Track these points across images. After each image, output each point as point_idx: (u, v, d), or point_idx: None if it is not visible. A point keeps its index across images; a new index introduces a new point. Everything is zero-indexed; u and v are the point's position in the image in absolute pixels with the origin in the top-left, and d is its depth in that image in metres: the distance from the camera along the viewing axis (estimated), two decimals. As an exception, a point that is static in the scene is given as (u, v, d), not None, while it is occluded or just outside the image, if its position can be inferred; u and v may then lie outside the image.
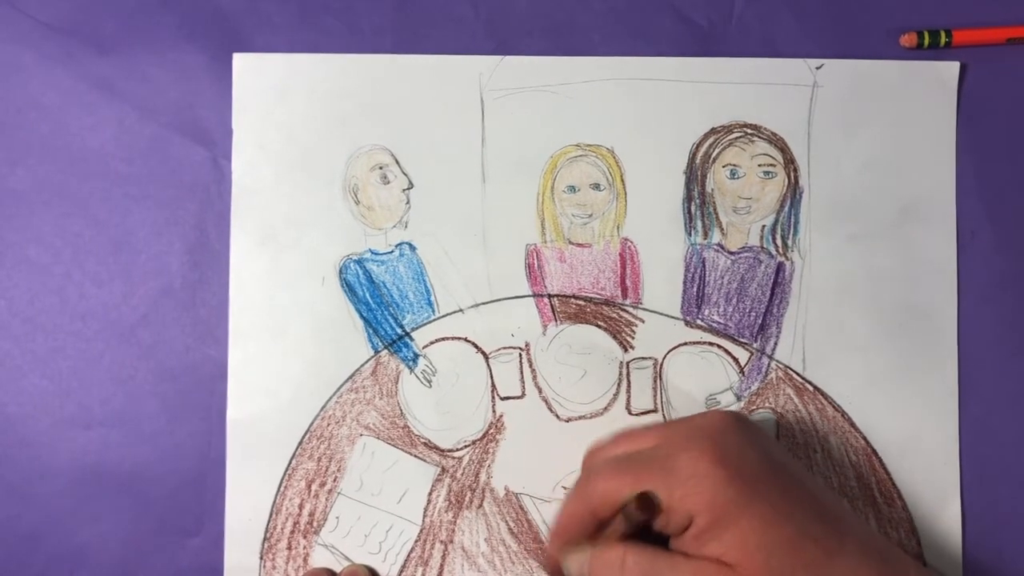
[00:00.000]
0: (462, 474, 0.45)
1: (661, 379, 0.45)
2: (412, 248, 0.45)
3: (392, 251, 0.45)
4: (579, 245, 0.45)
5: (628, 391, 0.45)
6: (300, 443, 0.44)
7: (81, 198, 0.45)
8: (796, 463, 0.39)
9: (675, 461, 0.36)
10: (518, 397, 0.45)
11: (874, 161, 0.45)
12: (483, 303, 0.45)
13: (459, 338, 0.45)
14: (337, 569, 0.44)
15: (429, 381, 0.45)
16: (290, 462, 0.44)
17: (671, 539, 0.37)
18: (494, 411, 0.45)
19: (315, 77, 0.45)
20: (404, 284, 0.45)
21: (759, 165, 0.45)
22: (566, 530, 0.38)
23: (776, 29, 0.46)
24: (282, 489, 0.44)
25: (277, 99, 0.45)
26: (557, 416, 0.45)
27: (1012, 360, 0.45)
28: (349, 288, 0.45)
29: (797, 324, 0.45)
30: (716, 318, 0.45)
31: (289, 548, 0.44)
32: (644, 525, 0.36)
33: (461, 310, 0.45)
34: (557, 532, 0.38)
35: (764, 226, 0.45)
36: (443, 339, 0.45)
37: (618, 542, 0.36)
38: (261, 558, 0.44)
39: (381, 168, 0.45)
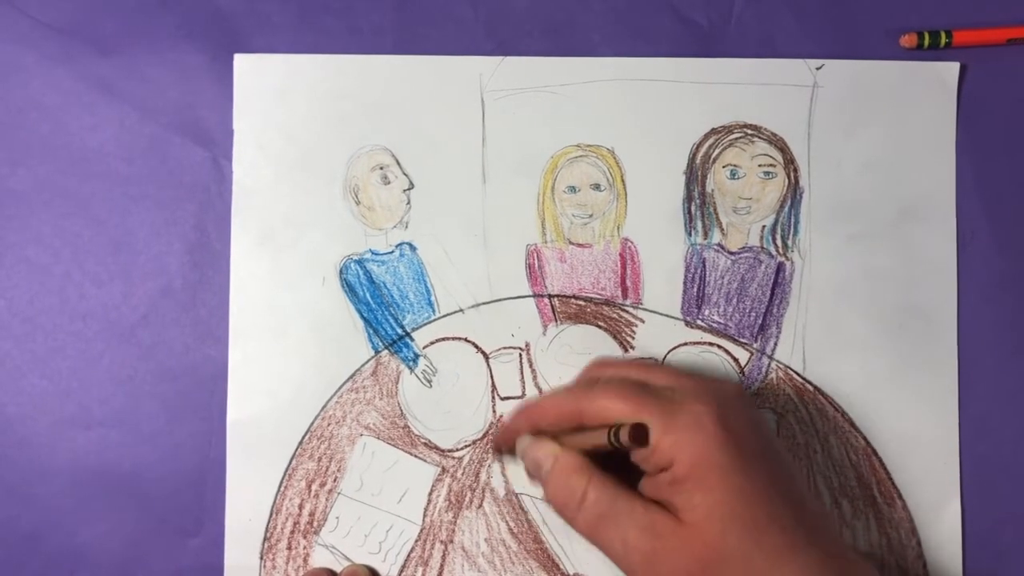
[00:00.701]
0: (462, 474, 0.45)
1: (661, 379, 0.45)
2: (412, 248, 0.45)
3: (392, 251, 0.45)
4: (579, 245, 0.45)
5: (628, 391, 0.45)
6: (300, 443, 0.44)
7: (81, 198, 0.45)
8: (789, 458, 0.39)
9: (680, 407, 0.35)
10: (518, 397, 0.45)
11: (874, 161, 0.46)
12: (483, 303, 0.45)
13: (459, 338, 0.45)
14: (337, 569, 0.44)
15: (429, 381, 0.45)
16: (290, 462, 0.44)
17: (643, 478, 0.36)
18: (494, 411, 0.45)
19: (316, 78, 0.45)
20: (404, 284, 0.45)
21: (759, 165, 0.45)
22: (541, 414, 0.38)
23: (776, 29, 0.46)
24: (282, 489, 0.44)
25: (278, 99, 0.45)
26: (557, 416, 0.45)
27: (1012, 360, 0.45)
28: (349, 288, 0.45)
29: (797, 324, 0.45)
30: (716, 318, 0.45)
31: (289, 548, 0.44)
32: (622, 452, 0.36)
33: (461, 310, 0.45)
34: (529, 411, 0.39)
35: (764, 226, 0.45)
36: (443, 339, 0.45)
37: (583, 459, 0.37)
38: (261, 558, 0.44)
39: (382, 168, 0.45)
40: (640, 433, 0.35)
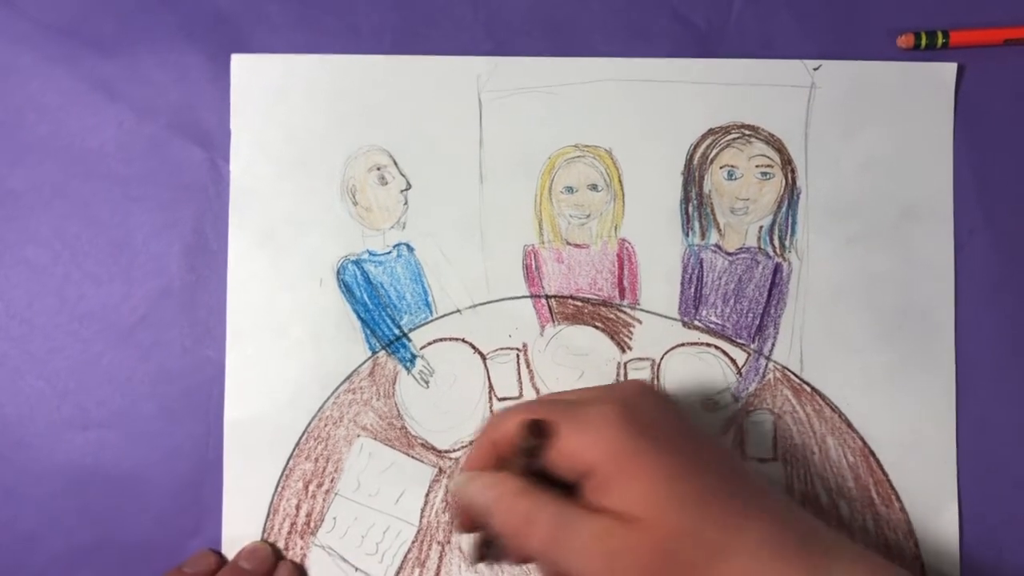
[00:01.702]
0: (460, 475, 0.45)
1: (659, 380, 0.45)
2: (410, 249, 0.45)
3: (390, 252, 0.45)
4: (577, 246, 0.45)
5: (626, 392, 0.45)
6: (297, 444, 0.44)
7: (80, 199, 0.45)
8: (711, 434, 0.39)
9: (585, 410, 0.35)
10: (515, 398, 0.45)
11: (872, 162, 0.45)
12: (481, 304, 0.45)
13: (457, 339, 0.45)
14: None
15: (427, 382, 0.45)
16: (287, 463, 0.44)
17: (578, 495, 0.35)
18: (491, 412, 0.45)
19: (313, 78, 0.45)
20: (402, 285, 0.45)
21: (756, 166, 0.45)
22: (471, 464, 0.38)
23: (774, 30, 0.46)
24: (279, 490, 0.44)
25: (276, 100, 0.45)
26: (555, 417, 0.45)
27: (1010, 360, 0.45)
28: (347, 289, 0.45)
29: (795, 325, 0.45)
30: (714, 319, 0.45)
31: (286, 549, 0.44)
32: (535, 457, 0.35)
33: (459, 311, 0.45)
34: (463, 467, 0.38)
35: (762, 227, 0.45)
36: (441, 340, 0.45)
37: (525, 483, 0.35)
38: (259, 559, 0.44)
39: (379, 169, 0.45)
40: (538, 427, 0.35)
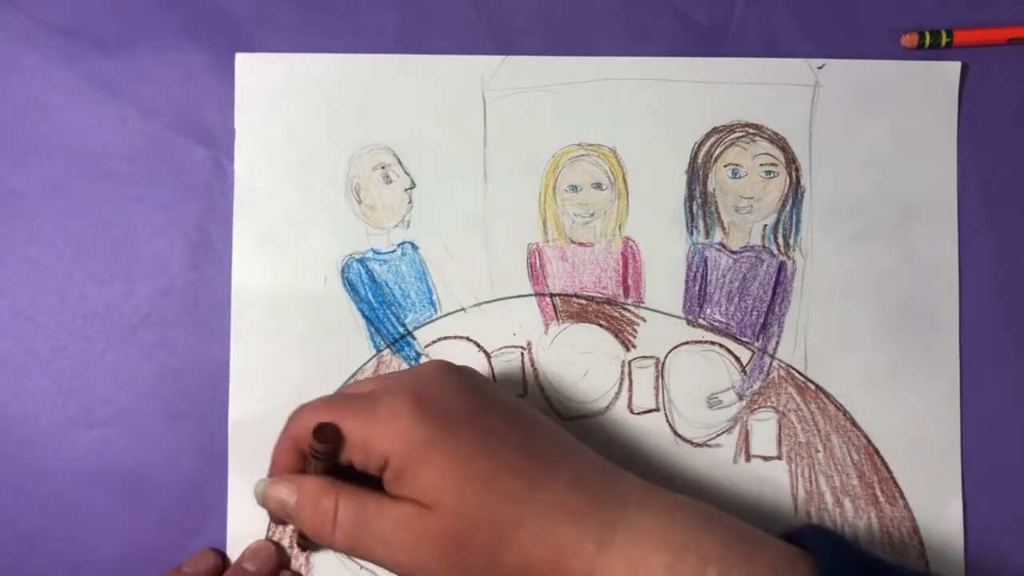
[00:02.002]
0: (464, 473, 0.44)
1: (663, 378, 0.45)
2: (414, 247, 0.45)
3: (394, 250, 0.45)
4: (581, 244, 0.45)
5: (630, 390, 0.45)
6: (302, 442, 0.44)
7: (83, 198, 0.45)
8: (513, 404, 0.38)
9: (378, 403, 0.36)
10: (520, 396, 0.45)
11: (875, 161, 0.46)
12: (485, 302, 0.45)
13: (461, 337, 0.45)
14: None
15: (431, 380, 0.45)
16: (292, 461, 0.44)
17: (383, 482, 0.36)
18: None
19: (317, 77, 0.45)
20: (406, 283, 0.45)
21: (761, 165, 0.45)
22: (276, 465, 0.39)
23: (777, 29, 0.46)
24: (284, 488, 0.44)
25: (279, 99, 0.45)
26: (559, 415, 0.45)
27: (1014, 359, 0.45)
28: (351, 287, 0.45)
29: (799, 323, 0.45)
30: (718, 317, 0.45)
31: (291, 547, 0.44)
32: (329, 458, 0.36)
33: (463, 309, 0.45)
34: (271, 468, 0.39)
35: (766, 225, 0.46)
36: (445, 338, 0.45)
37: (327, 482, 0.36)
38: (263, 558, 0.44)
39: (383, 168, 0.45)
40: (326, 432, 0.36)
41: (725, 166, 0.45)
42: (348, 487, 0.36)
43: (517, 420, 0.37)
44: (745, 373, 0.45)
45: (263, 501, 0.39)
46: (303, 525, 0.37)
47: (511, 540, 0.34)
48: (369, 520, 0.35)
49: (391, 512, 0.35)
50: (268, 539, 0.44)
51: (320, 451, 0.36)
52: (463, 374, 0.38)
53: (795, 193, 0.46)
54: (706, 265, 0.45)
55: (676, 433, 0.45)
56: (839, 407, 0.45)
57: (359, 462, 0.36)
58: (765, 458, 0.45)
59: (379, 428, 0.35)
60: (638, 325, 0.45)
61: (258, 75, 0.45)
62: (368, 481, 0.37)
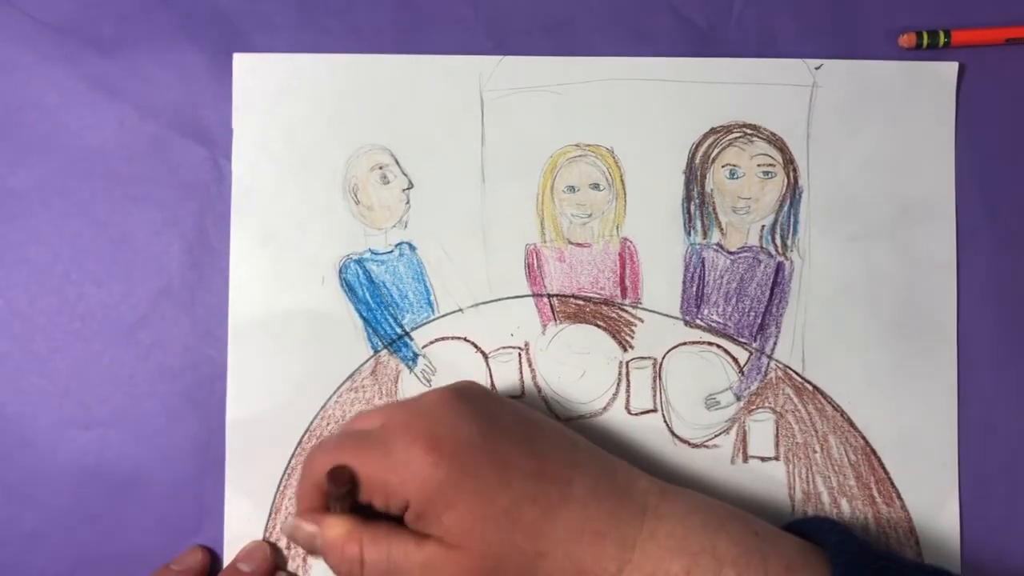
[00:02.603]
0: (461, 474, 0.44)
1: (660, 379, 0.45)
2: (412, 248, 0.45)
3: (392, 251, 0.45)
4: (578, 245, 0.45)
5: (627, 391, 0.45)
6: (300, 443, 0.44)
7: (81, 198, 0.45)
8: (525, 423, 0.39)
9: (392, 447, 0.36)
10: (517, 397, 0.45)
11: (873, 161, 0.46)
12: (482, 303, 0.45)
13: (459, 338, 0.45)
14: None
15: (429, 380, 0.45)
16: (289, 462, 0.44)
17: (405, 521, 0.37)
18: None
19: (315, 77, 0.45)
20: (404, 284, 0.45)
21: (758, 165, 0.45)
22: (301, 505, 0.39)
23: (775, 29, 0.46)
24: (281, 489, 0.44)
25: (277, 99, 0.45)
26: (556, 416, 0.45)
27: (1011, 360, 0.45)
28: (349, 288, 0.45)
29: (796, 324, 0.45)
30: (715, 318, 0.45)
31: (288, 548, 0.44)
32: (349, 496, 0.37)
33: (461, 310, 0.45)
34: (297, 508, 0.39)
35: (763, 226, 0.45)
36: (443, 339, 0.45)
37: (350, 522, 0.37)
38: (260, 558, 0.44)
39: (381, 168, 0.45)
40: (340, 474, 0.36)
41: (723, 166, 0.45)
42: (371, 530, 0.37)
43: (528, 441, 0.37)
44: (743, 374, 0.45)
45: (292, 540, 0.39)
46: (332, 568, 0.38)
47: (536, 570, 0.35)
48: (396, 565, 0.36)
49: (416, 556, 0.36)
50: (264, 540, 0.44)
51: (337, 494, 0.36)
52: (469, 400, 0.38)
53: (793, 193, 0.46)
54: (704, 266, 0.45)
55: (674, 434, 0.45)
56: (836, 408, 0.45)
57: (379, 505, 0.37)
58: (763, 459, 0.45)
59: (395, 475, 0.35)
60: (636, 326, 0.45)
61: (256, 75, 0.45)
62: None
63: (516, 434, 0.37)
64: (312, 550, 0.38)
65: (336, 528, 0.37)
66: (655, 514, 0.36)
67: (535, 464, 0.36)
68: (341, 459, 0.36)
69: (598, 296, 0.45)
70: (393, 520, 0.37)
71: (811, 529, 0.39)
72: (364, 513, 0.37)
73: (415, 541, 0.36)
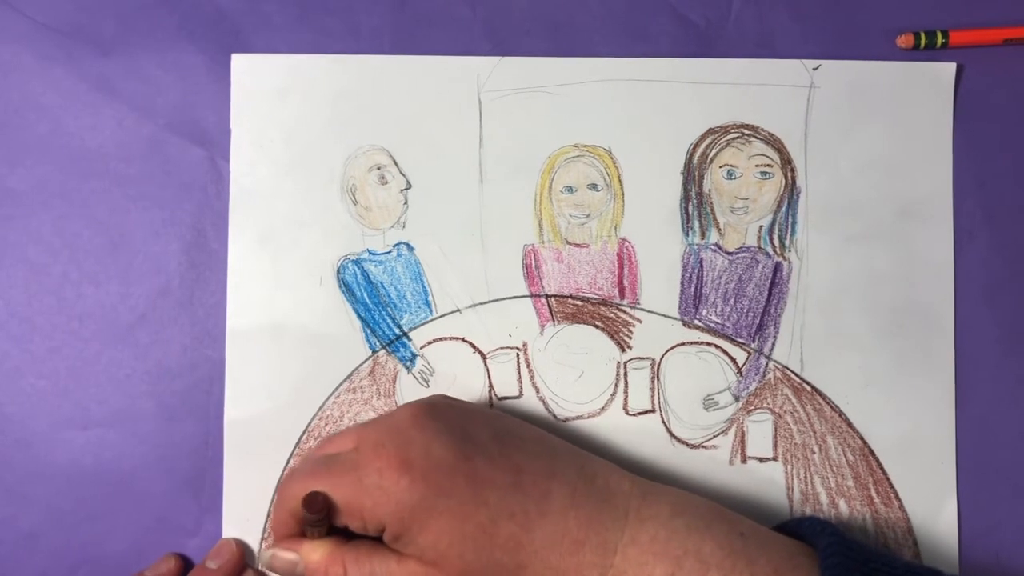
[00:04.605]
0: (459, 474, 0.44)
1: (659, 379, 0.45)
2: (410, 248, 0.45)
3: (390, 251, 0.45)
4: (576, 245, 0.45)
5: (626, 391, 0.45)
6: (298, 443, 0.44)
7: (79, 198, 0.45)
8: (500, 434, 0.38)
9: (365, 470, 0.36)
10: (516, 397, 0.45)
11: (871, 162, 0.46)
12: (481, 303, 0.45)
13: (457, 338, 0.45)
14: None
15: (427, 381, 0.45)
16: (288, 462, 0.44)
17: (383, 540, 0.37)
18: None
19: (313, 78, 0.45)
20: (402, 284, 0.45)
21: (756, 165, 0.45)
22: (276, 533, 0.39)
23: (773, 30, 0.46)
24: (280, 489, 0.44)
25: (275, 99, 0.45)
26: (555, 416, 0.45)
27: (1009, 360, 0.45)
28: (347, 288, 0.45)
29: (795, 324, 0.45)
30: (714, 318, 0.45)
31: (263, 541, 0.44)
32: (325, 522, 0.37)
33: (459, 310, 0.45)
34: (272, 532, 0.39)
35: (761, 226, 0.45)
36: (441, 339, 0.45)
37: (332, 548, 0.37)
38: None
39: (379, 168, 0.45)
40: (315, 501, 0.36)
41: (721, 167, 0.45)
42: (353, 550, 0.37)
43: (504, 454, 0.37)
44: (741, 374, 0.45)
45: (271, 569, 0.39)
46: None
47: None
48: None
49: (399, 573, 0.36)
50: (233, 538, 0.44)
51: (313, 520, 0.37)
52: (441, 417, 0.38)
53: (791, 194, 0.46)
54: (702, 266, 0.45)
55: (672, 434, 0.45)
56: (835, 408, 0.45)
57: (356, 527, 0.37)
58: (761, 459, 0.45)
59: (369, 499, 0.36)
60: (634, 326, 0.45)
61: (254, 76, 0.45)
62: None
63: (491, 448, 0.37)
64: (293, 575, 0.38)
65: (318, 552, 0.37)
66: (637, 517, 0.36)
67: (512, 477, 0.36)
68: (315, 486, 0.36)
69: (596, 296, 0.45)
70: (372, 537, 0.37)
71: (803, 529, 0.38)
72: (342, 533, 0.38)
73: (396, 558, 0.36)
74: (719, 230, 0.45)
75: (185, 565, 0.43)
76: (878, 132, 0.46)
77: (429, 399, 0.40)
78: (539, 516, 0.36)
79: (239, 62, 0.45)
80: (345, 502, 0.36)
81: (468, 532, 0.35)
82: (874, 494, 0.44)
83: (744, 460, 0.45)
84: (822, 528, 0.38)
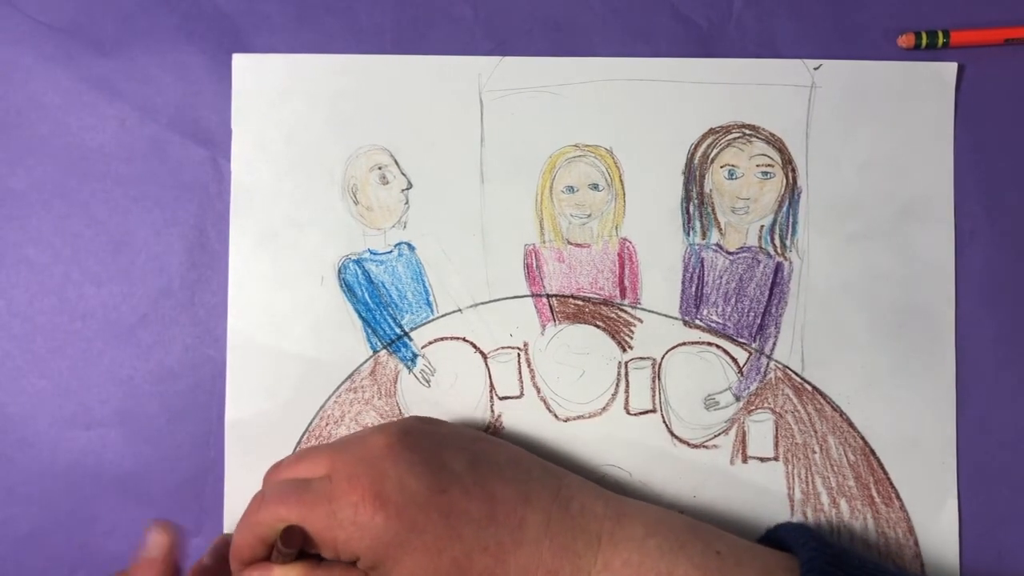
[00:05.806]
0: (461, 474, 0.44)
1: (659, 379, 0.45)
2: (411, 248, 0.45)
3: (391, 251, 0.45)
4: (577, 245, 0.45)
5: (626, 391, 0.45)
6: (299, 443, 0.44)
7: (81, 198, 0.45)
8: (475, 461, 0.38)
9: (338, 503, 0.36)
10: (516, 397, 0.45)
11: (872, 161, 0.46)
12: (482, 303, 0.45)
13: (458, 338, 0.45)
14: None
15: (428, 381, 0.45)
16: (289, 462, 0.44)
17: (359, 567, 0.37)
18: (492, 411, 0.45)
19: (314, 77, 0.45)
20: (403, 284, 0.45)
21: (757, 165, 0.45)
22: (239, 555, 0.38)
23: (775, 30, 0.46)
24: (281, 489, 0.44)
25: (276, 99, 0.45)
26: (555, 416, 0.45)
27: (1010, 360, 0.45)
28: (348, 288, 0.45)
29: (796, 324, 0.45)
30: (715, 318, 0.45)
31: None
32: (295, 552, 0.36)
33: (460, 310, 0.45)
34: (233, 555, 0.38)
35: (762, 226, 0.45)
36: (442, 339, 0.45)
37: (302, 570, 0.37)
38: (260, 558, 0.44)
39: (380, 168, 0.45)
40: (293, 536, 0.36)
41: (721, 167, 0.45)
42: (326, 574, 0.37)
43: (479, 483, 0.37)
44: (742, 374, 0.45)
45: None
46: None
47: None
48: None
49: None
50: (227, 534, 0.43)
51: (287, 553, 0.36)
52: (416, 447, 0.37)
53: (791, 194, 0.46)
54: (703, 266, 0.45)
55: (673, 434, 0.45)
56: (836, 408, 0.45)
57: (328, 556, 0.37)
58: (762, 459, 0.45)
59: (343, 532, 0.35)
60: (635, 326, 0.45)
61: (255, 76, 0.45)
62: None
63: (466, 478, 0.37)
64: None
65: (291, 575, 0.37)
66: (611, 541, 0.36)
67: (487, 508, 0.36)
68: (286, 514, 0.36)
69: (597, 296, 0.45)
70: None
71: (787, 538, 0.38)
72: (311, 557, 0.37)
73: None
74: (720, 230, 0.46)
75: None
76: (879, 132, 0.46)
77: (403, 424, 0.39)
78: (514, 547, 0.36)
79: (240, 62, 0.45)
80: (318, 533, 0.36)
81: (442, 567, 0.35)
82: (875, 494, 0.44)
83: (745, 460, 0.45)
84: (805, 539, 0.37)
